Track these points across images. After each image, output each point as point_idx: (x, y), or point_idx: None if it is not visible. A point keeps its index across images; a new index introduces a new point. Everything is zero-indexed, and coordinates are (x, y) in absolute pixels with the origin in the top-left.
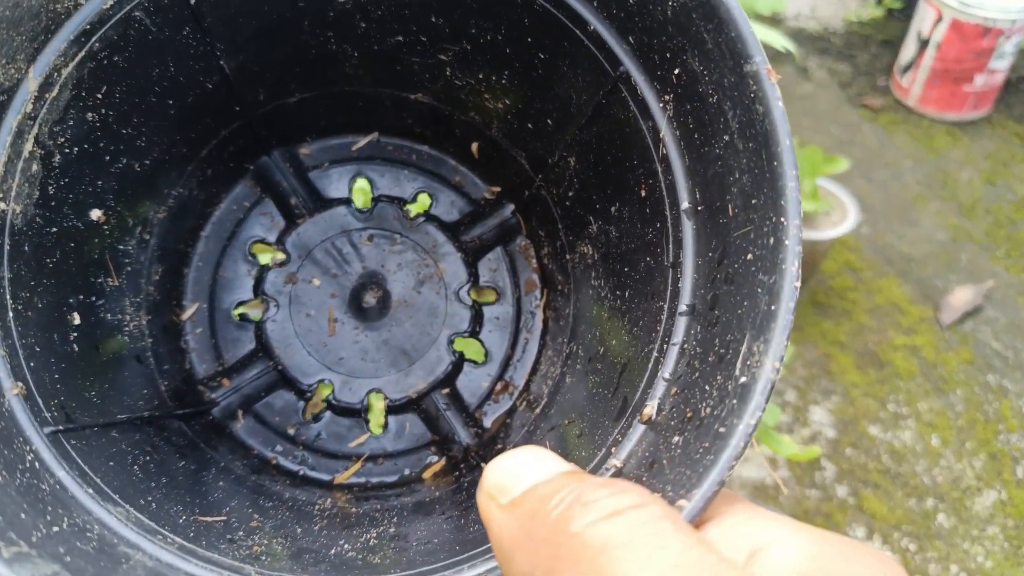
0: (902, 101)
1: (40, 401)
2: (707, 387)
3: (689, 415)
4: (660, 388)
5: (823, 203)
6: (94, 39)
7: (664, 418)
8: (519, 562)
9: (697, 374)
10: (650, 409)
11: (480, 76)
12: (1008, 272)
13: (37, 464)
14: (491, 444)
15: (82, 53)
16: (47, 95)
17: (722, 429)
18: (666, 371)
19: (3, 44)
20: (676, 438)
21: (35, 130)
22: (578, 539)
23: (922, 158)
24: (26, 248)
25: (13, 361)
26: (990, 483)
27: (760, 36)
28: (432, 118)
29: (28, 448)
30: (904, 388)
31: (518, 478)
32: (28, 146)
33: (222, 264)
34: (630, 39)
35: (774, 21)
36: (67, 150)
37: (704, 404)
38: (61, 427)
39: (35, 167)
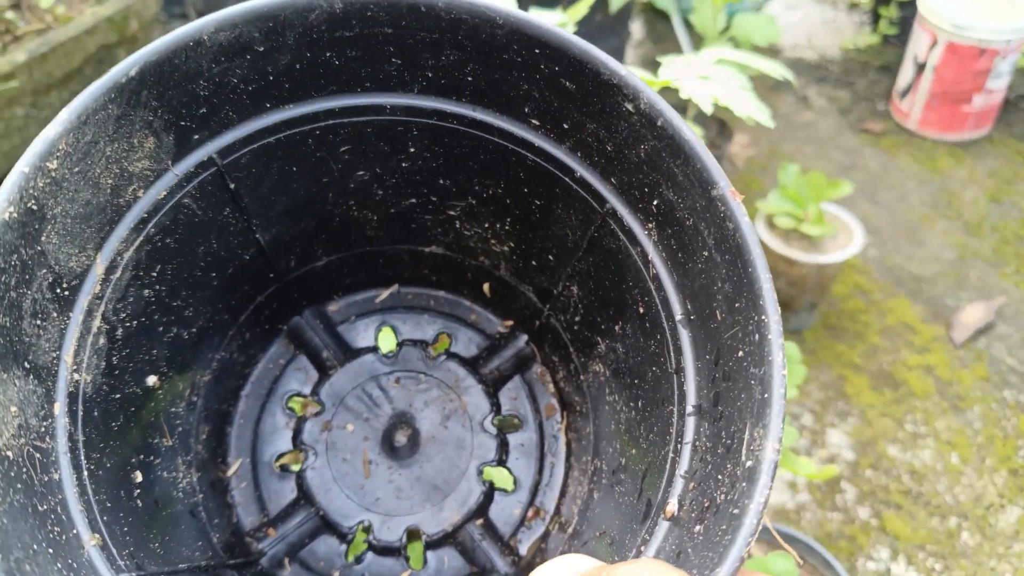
0: (902, 124)
1: (114, 551)
2: (719, 476)
3: (707, 504)
4: (679, 485)
5: (829, 227)
6: (150, 225)
7: (685, 512)
8: None
9: (710, 466)
10: (672, 506)
11: (486, 225)
12: (1018, 288)
13: None
14: (528, 570)
15: (140, 238)
16: (111, 277)
17: (736, 511)
18: (682, 469)
19: (76, 236)
20: (698, 527)
21: (102, 308)
22: None
23: (926, 179)
24: (95, 413)
25: (89, 515)
26: (1013, 499)
27: (759, 67)
28: (446, 266)
29: None
30: (921, 407)
31: None
32: (96, 322)
33: (262, 419)
34: (612, 180)
35: (771, 52)
36: (127, 324)
37: (719, 492)
38: (136, 574)
39: (102, 340)
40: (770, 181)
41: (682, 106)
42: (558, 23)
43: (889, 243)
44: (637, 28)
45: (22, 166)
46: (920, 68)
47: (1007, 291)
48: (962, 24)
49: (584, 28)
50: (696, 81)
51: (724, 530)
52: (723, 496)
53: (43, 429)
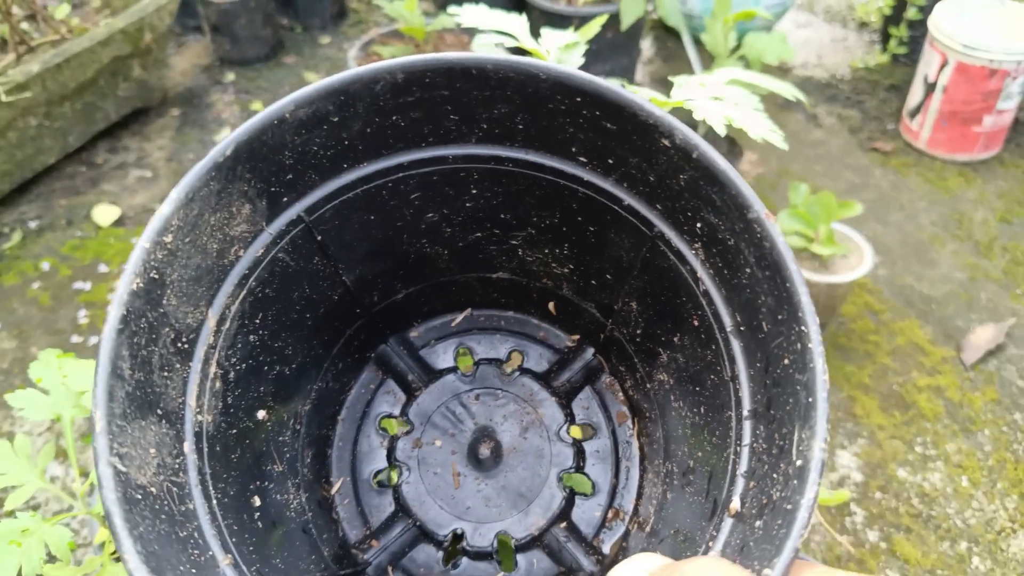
0: (912, 144)
1: (244, 568)
2: (775, 475)
3: (765, 501)
4: (740, 484)
5: (839, 247)
6: (251, 280)
7: (747, 509)
8: None
9: (766, 466)
10: (735, 504)
11: (546, 251)
12: None
13: None
14: (611, 568)
15: (244, 292)
16: (222, 328)
17: (789, 507)
18: (742, 469)
19: (191, 296)
20: (758, 523)
21: (216, 356)
22: None
23: (936, 199)
24: (217, 448)
25: (221, 538)
26: None
27: (771, 87)
28: (513, 289)
29: None
30: (931, 429)
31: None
32: (212, 368)
33: (358, 441)
34: (657, 206)
35: (782, 71)
36: (238, 367)
37: (774, 489)
38: None
39: (218, 384)
40: (780, 199)
41: (692, 124)
42: (569, 43)
43: (899, 263)
44: (647, 46)
45: (143, 242)
46: (930, 88)
47: (1017, 312)
48: (973, 45)
49: (595, 46)
50: (709, 102)
51: (779, 524)
52: (778, 493)
53: (177, 466)
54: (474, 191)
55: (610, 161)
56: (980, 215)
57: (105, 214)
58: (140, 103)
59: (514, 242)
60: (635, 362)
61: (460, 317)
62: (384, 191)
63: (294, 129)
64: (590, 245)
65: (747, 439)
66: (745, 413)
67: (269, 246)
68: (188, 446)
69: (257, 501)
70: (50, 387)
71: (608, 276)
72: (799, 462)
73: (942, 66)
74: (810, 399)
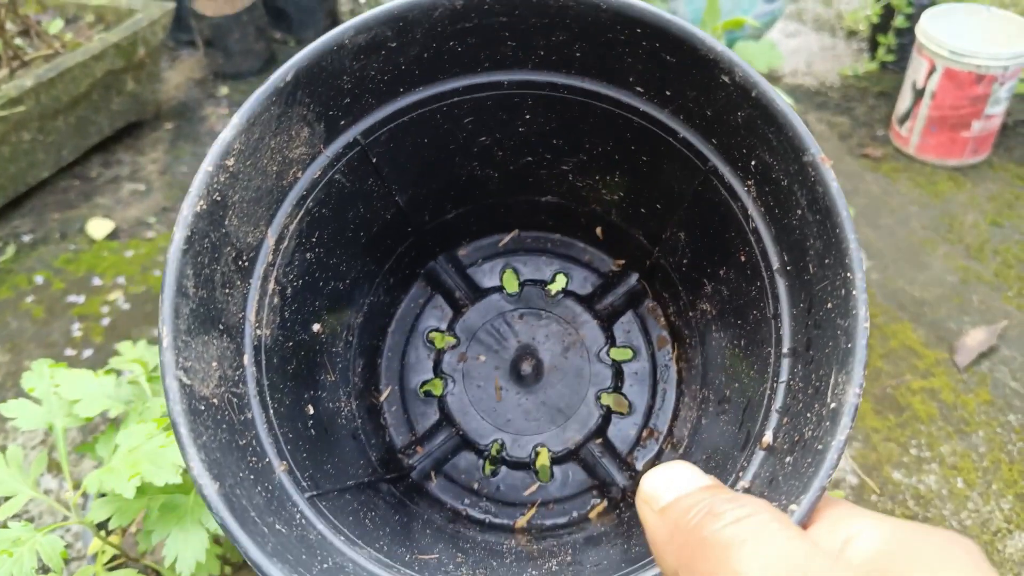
0: (902, 150)
1: (298, 474)
2: (808, 414)
3: (796, 439)
4: (773, 419)
5: None
6: (309, 200)
7: (779, 444)
8: (668, 560)
9: (801, 404)
10: (768, 438)
11: (596, 178)
12: (1021, 311)
13: (304, 520)
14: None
15: (301, 212)
16: (280, 246)
17: (820, 447)
18: (777, 404)
19: (251, 216)
20: (788, 458)
21: (275, 273)
22: (708, 541)
23: (927, 203)
24: (275, 360)
25: (277, 446)
26: (1020, 525)
27: None
28: (561, 213)
29: (296, 509)
30: (925, 431)
31: (667, 489)
32: (271, 285)
33: (407, 352)
34: (713, 141)
35: (772, 78)
36: (295, 283)
37: (807, 428)
38: (315, 493)
39: (276, 300)
40: None
41: None
42: None
43: (891, 267)
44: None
45: (207, 165)
46: (919, 94)
47: (1010, 314)
48: (960, 51)
49: None
50: None
51: (809, 463)
52: (810, 432)
53: (237, 377)
54: (528, 116)
55: (668, 93)
56: (971, 218)
57: (99, 227)
58: (134, 117)
59: (565, 167)
60: (679, 290)
61: (507, 238)
62: (438, 115)
63: (353, 54)
64: (642, 174)
65: (784, 376)
66: (785, 351)
67: (326, 168)
68: (247, 358)
69: (311, 410)
70: (42, 397)
71: (658, 205)
72: (833, 404)
73: (930, 72)
74: (849, 344)
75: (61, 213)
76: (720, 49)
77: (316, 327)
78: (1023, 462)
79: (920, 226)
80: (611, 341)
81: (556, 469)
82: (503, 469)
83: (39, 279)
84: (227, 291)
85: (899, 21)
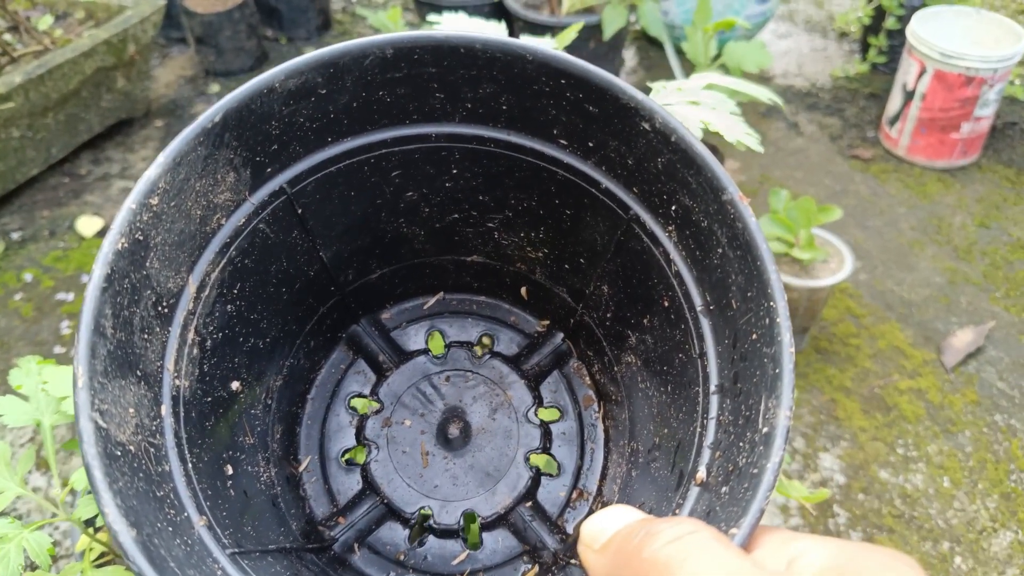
0: (892, 151)
1: (218, 531)
2: (741, 443)
3: (731, 468)
4: (706, 455)
5: (820, 251)
6: (232, 248)
7: (713, 477)
8: None
9: (732, 436)
10: (701, 474)
11: (521, 235)
12: (1008, 312)
13: None
14: (575, 547)
15: (224, 260)
16: (201, 295)
17: (755, 471)
18: (708, 440)
19: (173, 261)
20: (724, 488)
21: (195, 322)
22: (649, 562)
23: (915, 205)
24: (193, 414)
25: (196, 500)
26: (1005, 524)
27: (748, 91)
28: (486, 273)
29: (217, 566)
30: (912, 431)
31: (606, 528)
32: (190, 335)
33: (327, 419)
34: (634, 189)
35: (762, 79)
36: (215, 336)
37: (740, 457)
38: (236, 550)
39: (195, 351)
40: (761, 206)
41: None
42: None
43: (879, 268)
44: (630, 56)
45: (130, 203)
46: (909, 96)
47: (997, 315)
48: (950, 53)
49: (578, 55)
50: (686, 107)
51: (746, 488)
52: (744, 460)
53: (154, 427)
54: (454, 171)
55: (590, 144)
56: (959, 220)
57: (88, 225)
58: (124, 114)
59: (491, 224)
60: (604, 346)
61: (432, 300)
62: (366, 167)
63: (283, 99)
64: (565, 228)
65: (714, 412)
66: (712, 388)
67: (251, 216)
68: (165, 409)
69: (229, 470)
70: (30, 393)
71: (581, 260)
72: (765, 429)
73: (920, 74)
74: (777, 370)
75: (51, 211)
76: (640, 97)
77: (235, 385)
78: (1009, 461)
79: (909, 227)
80: (539, 401)
81: (486, 535)
82: (430, 539)
83: (28, 277)
84: (145, 336)
85: (890, 23)
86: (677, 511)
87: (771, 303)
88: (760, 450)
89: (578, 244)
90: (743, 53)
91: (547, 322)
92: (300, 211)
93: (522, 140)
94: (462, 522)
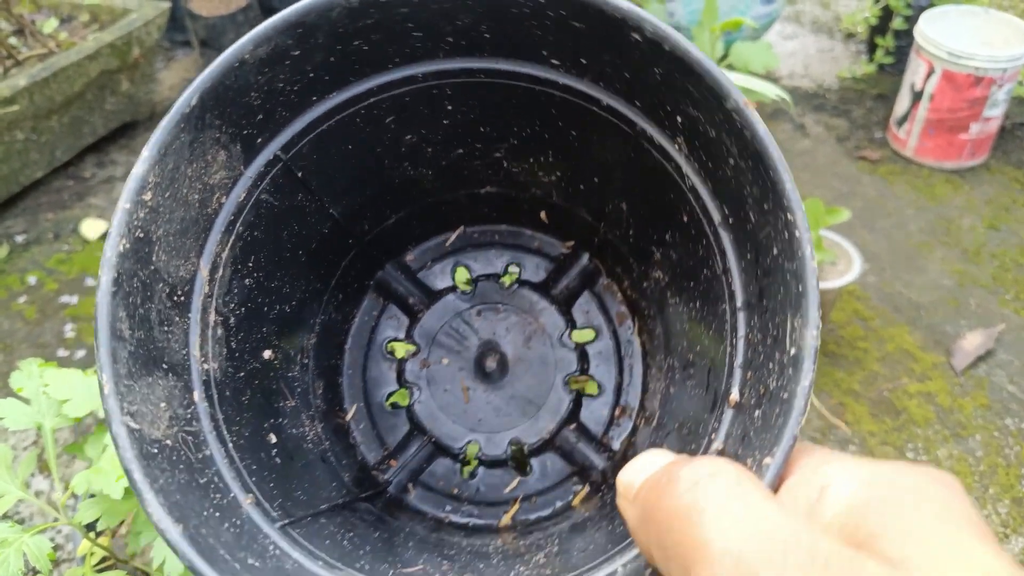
0: (899, 152)
1: (267, 505)
2: (770, 364)
3: (762, 391)
4: (737, 376)
5: (828, 253)
6: (238, 224)
7: (746, 399)
8: (643, 542)
9: (762, 356)
10: (735, 395)
11: (531, 160)
12: (1018, 315)
13: (278, 551)
14: (623, 463)
15: (232, 237)
16: (215, 276)
17: (786, 395)
18: (739, 360)
19: (180, 249)
20: (756, 412)
21: (213, 304)
22: (668, 512)
23: (923, 206)
24: (228, 393)
25: (241, 480)
26: (1016, 529)
27: (754, 87)
28: (503, 202)
29: (269, 541)
30: (921, 435)
31: (636, 477)
32: (212, 317)
33: (367, 367)
34: (636, 103)
35: (769, 80)
36: (237, 312)
37: (771, 379)
38: (286, 521)
39: (219, 331)
40: None
41: None
42: None
43: (888, 270)
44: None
45: (123, 203)
46: (917, 96)
47: (1007, 318)
48: (958, 53)
49: None
50: None
51: (778, 413)
52: (774, 383)
53: (189, 415)
54: (449, 107)
55: (583, 61)
56: (968, 222)
57: (92, 228)
58: (128, 117)
59: (497, 155)
60: (630, 262)
61: (453, 236)
62: (358, 118)
63: (256, 69)
64: (574, 150)
65: (742, 331)
66: (739, 305)
67: (251, 189)
68: (197, 395)
69: (273, 438)
70: (31, 396)
71: (596, 179)
72: (793, 351)
73: (928, 74)
74: (800, 287)
75: (55, 213)
76: (625, 7)
77: (267, 354)
78: (1020, 466)
79: (917, 229)
80: (572, 324)
81: (534, 461)
82: (481, 470)
83: (32, 279)
84: (166, 329)
85: (897, 23)
86: (714, 436)
87: (789, 215)
88: (789, 373)
89: (590, 164)
90: (750, 54)
91: (572, 243)
92: (300, 174)
93: (512, 67)
94: (510, 451)
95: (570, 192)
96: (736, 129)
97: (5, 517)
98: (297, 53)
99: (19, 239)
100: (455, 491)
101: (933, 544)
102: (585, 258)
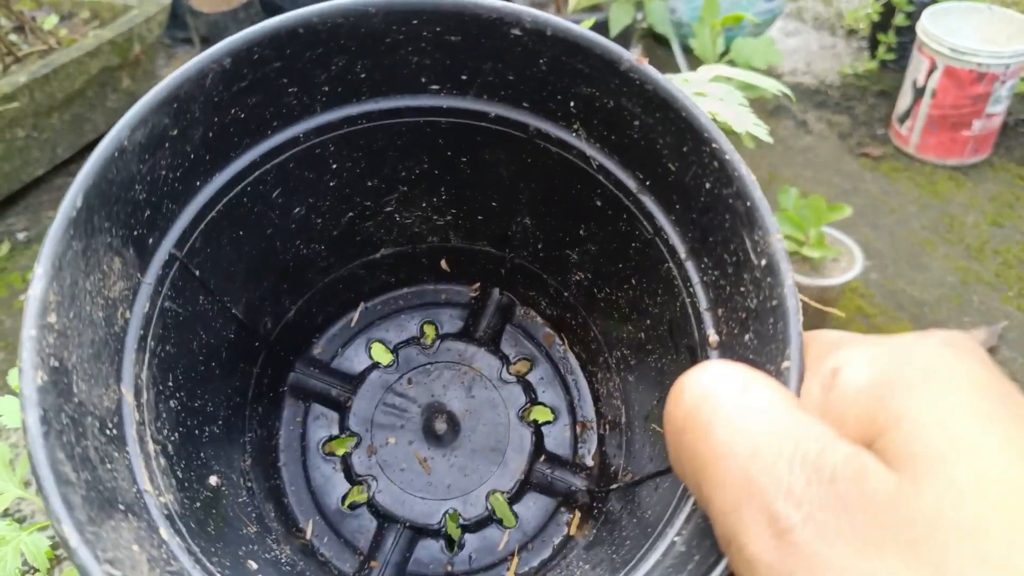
0: (902, 149)
1: None
2: (741, 288)
3: (743, 316)
4: (708, 318)
5: (830, 250)
6: (149, 340)
7: (727, 334)
8: (677, 470)
9: (728, 288)
10: (713, 336)
11: (423, 205)
12: (1021, 312)
13: None
14: (603, 474)
15: (147, 355)
16: (140, 401)
17: (774, 302)
18: (703, 305)
19: (97, 375)
20: (747, 336)
21: (148, 432)
22: (683, 422)
23: (926, 203)
24: (193, 525)
25: None
26: None
27: (755, 82)
28: (400, 263)
29: None
30: None
31: (669, 406)
32: (150, 447)
33: (310, 478)
34: (525, 104)
35: (770, 77)
36: (172, 438)
37: (748, 299)
38: None
39: (162, 461)
40: (770, 204)
41: None
42: None
43: (890, 267)
44: (637, 54)
45: (28, 330)
46: (919, 93)
47: (1010, 315)
48: (961, 49)
49: None
50: (693, 98)
51: (772, 322)
52: (755, 300)
53: (165, 556)
54: (334, 165)
55: (464, 77)
56: (971, 219)
57: None
58: None
59: (388, 208)
60: (544, 280)
61: (356, 314)
62: (245, 198)
63: (137, 156)
64: (467, 178)
65: (695, 277)
66: (683, 256)
67: (153, 297)
68: (165, 532)
69: (253, 565)
70: None
71: (494, 203)
72: (763, 261)
73: (931, 71)
74: (748, 203)
75: (56, 211)
76: (499, 5)
77: (214, 480)
78: None
79: (920, 226)
80: (505, 360)
81: (517, 507)
82: (467, 537)
83: None
84: (109, 467)
85: (900, 19)
86: None
87: (712, 145)
88: (768, 282)
89: (486, 187)
90: (751, 50)
91: (477, 284)
92: (198, 273)
93: (393, 103)
94: (490, 506)
95: (468, 227)
96: (636, 87)
97: (4, 515)
98: (175, 133)
99: (20, 236)
100: (448, 569)
101: (944, 441)
102: (495, 293)
